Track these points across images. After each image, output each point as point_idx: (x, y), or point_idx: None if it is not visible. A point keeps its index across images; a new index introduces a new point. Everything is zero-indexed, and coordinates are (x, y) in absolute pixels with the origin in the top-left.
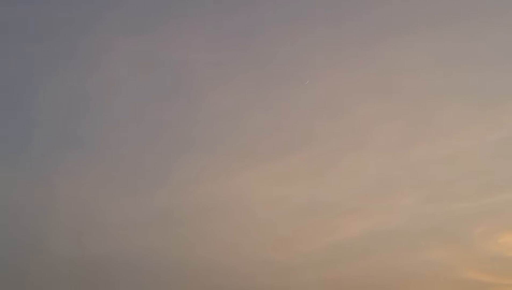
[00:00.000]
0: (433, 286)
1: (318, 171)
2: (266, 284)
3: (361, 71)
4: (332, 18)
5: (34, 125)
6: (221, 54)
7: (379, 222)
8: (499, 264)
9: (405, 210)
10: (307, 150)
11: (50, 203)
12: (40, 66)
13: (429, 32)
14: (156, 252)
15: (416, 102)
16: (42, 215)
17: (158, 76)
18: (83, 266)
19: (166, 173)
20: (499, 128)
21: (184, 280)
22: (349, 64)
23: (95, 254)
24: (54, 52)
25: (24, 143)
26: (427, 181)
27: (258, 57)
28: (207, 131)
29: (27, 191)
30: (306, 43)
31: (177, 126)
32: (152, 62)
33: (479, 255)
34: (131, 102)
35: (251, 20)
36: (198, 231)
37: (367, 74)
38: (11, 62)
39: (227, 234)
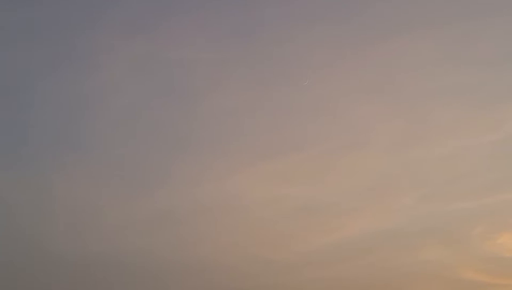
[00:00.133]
0: (431, 285)
1: (317, 170)
2: (265, 283)
3: (361, 71)
4: (332, 18)
5: (34, 125)
6: (221, 54)
7: (378, 222)
8: (497, 264)
9: (403, 210)
10: (306, 150)
11: (49, 203)
12: (39, 67)
13: (427, 33)
14: (155, 252)
15: (415, 102)
16: (41, 215)
17: (158, 76)
18: (83, 265)
19: (166, 173)
20: (498, 128)
21: (183, 279)
22: (349, 64)
23: (95, 253)
24: (53, 53)
25: (23, 143)
26: (425, 181)
27: (258, 57)
28: (207, 131)
29: (27, 191)
30: (306, 43)
31: (176, 126)
32: (152, 62)
33: (478, 255)
34: (131, 102)
35: (251, 20)
36: (197, 231)
37: (366, 74)
38: (11, 63)
39: (227, 234)
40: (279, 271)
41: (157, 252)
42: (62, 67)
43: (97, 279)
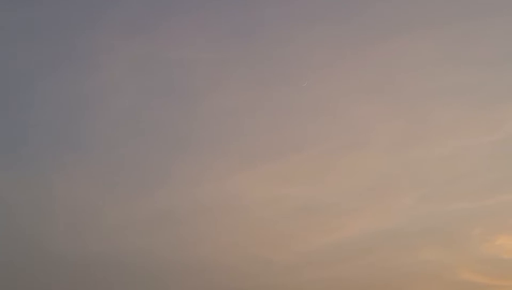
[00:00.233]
0: (430, 286)
1: (317, 171)
2: (265, 283)
3: (361, 71)
4: (332, 18)
5: (34, 125)
6: (221, 54)
7: (377, 222)
8: (495, 265)
9: (402, 210)
10: (306, 150)
11: (49, 203)
12: (39, 67)
13: (427, 33)
14: (155, 252)
15: (415, 102)
16: (41, 215)
17: (158, 76)
18: (83, 265)
19: (166, 173)
20: (498, 128)
21: (183, 279)
22: (349, 64)
23: (95, 253)
24: (53, 53)
25: (23, 143)
26: (425, 181)
27: (258, 57)
28: (207, 131)
29: (27, 191)
30: (306, 43)
31: (176, 126)
32: (152, 62)
33: (476, 256)
34: (131, 102)
35: (251, 20)
36: (197, 231)
37: (366, 74)
38: (11, 63)
39: (226, 234)
40: (279, 271)
41: (157, 252)
42: (62, 67)
43: (97, 279)
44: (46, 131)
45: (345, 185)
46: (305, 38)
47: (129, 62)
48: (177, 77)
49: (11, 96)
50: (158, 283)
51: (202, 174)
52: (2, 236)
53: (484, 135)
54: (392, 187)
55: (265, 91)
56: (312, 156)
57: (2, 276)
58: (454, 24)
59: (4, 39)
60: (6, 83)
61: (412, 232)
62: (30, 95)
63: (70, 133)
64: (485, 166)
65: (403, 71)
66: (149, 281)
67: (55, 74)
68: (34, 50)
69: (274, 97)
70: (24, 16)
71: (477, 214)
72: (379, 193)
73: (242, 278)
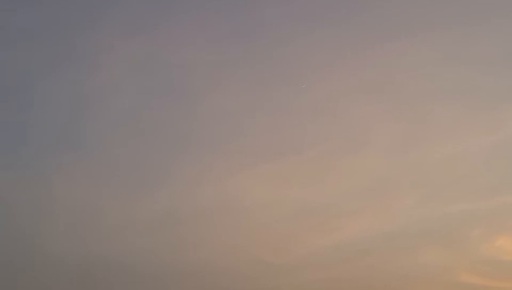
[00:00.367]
0: (430, 287)
1: (317, 172)
2: (265, 285)
3: (361, 72)
4: (332, 19)
5: (34, 125)
6: (221, 54)
7: (377, 223)
8: (495, 267)
9: (402, 212)
10: (306, 151)
11: (49, 204)
12: (39, 67)
13: (427, 34)
14: (155, 253)
15: (415, 103)
16: (41, 215)
17: (158, 76)
18: (83, 266)
19: (166, 173)
20: (498, 129)
21: (183, 280)
22: (349, 65)
23: (95, 254)
24: (53, 53)
25: (23, 143)
26: (425, 182)
27: (258, 57)
28: (207, 132)
29: (27, 191)
30: (306, 44)
31: (176, 126)
32: (152, 62)
33: (476, 258)
34: (131, 102)
35: (251, 20)
36: (197, 232)
37: (366, 75)
38: (11, 63)
39: (226, 235)
40: (279, 273)
41: (157, 253)
42: (62, 67)
43: (97, 280)
44: (46, 131)
45: (345, 186)
46: (305, 39)
47: (129, 62)
48: (177, 77)
49: (11, 96)
50: (158, 284)
51: (202, 175)
52: (2, 236)
53: (484, 136)
54: (392, 188)
55: (265, 91)
56: (312, 157)
57: (2, 276)
58: (454, 25)
59: (4, 39)
60: (6, 83)
61: (412, 233)
62: (30, 95)
63: (70, 133)
64: (485, 167)
65: (403, 72)
66: (148, 282)
67: (55, 74)
68: (34, 50)
69: (274, 97)
70: (24, 16)
71: (477, 215)
72: (379, 194)
73: (242, 279)
